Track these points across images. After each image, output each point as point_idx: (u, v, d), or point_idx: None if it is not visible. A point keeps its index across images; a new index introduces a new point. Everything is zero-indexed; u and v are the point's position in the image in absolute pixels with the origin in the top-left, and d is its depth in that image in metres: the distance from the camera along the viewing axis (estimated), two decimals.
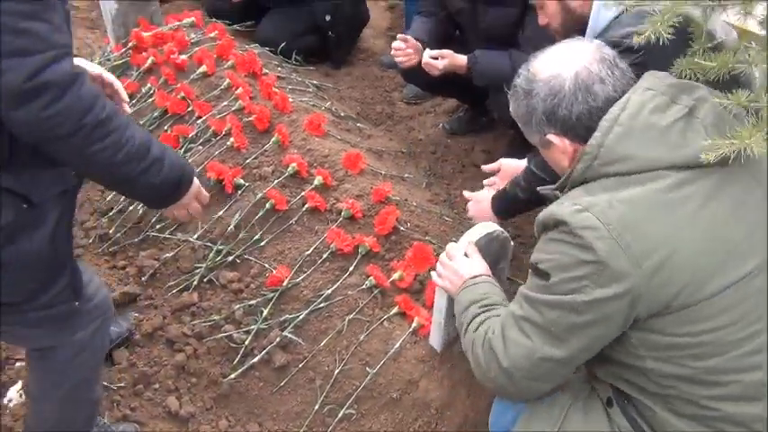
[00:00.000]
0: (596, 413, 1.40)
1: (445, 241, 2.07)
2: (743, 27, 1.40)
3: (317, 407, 1.94)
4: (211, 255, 2.28)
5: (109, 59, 3.10)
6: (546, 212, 1.29)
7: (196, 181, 1.57)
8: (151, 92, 2.86)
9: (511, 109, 1.44)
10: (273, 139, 2.52)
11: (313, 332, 2.05)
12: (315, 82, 3.39)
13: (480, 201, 2.25)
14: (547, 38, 1.93)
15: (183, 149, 2.60)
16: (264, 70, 3.01)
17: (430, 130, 3.44)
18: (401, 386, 1.91)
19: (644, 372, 1.29)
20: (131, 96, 2.78)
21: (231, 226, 2.31)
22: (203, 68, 2.87)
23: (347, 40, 3.94)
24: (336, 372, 1.95)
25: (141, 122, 2.72)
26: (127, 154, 1.32)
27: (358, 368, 1.96)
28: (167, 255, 2.36)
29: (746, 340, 1.24)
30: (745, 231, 1.25)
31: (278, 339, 2.03)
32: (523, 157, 2.16)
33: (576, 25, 1.84)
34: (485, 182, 2.33)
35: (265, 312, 2.09)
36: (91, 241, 2.52)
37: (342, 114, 3.15)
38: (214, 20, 3.49)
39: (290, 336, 2.03)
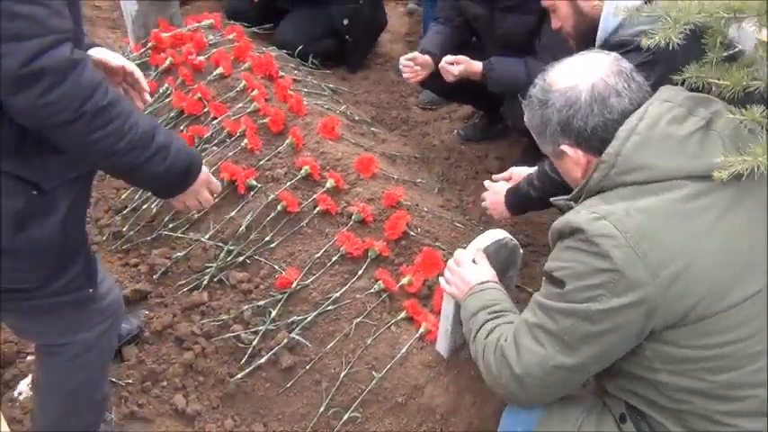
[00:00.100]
0: (609, 429, 1.38)
1: (455, 248, 2.05)
2: (760, 38, 1.38)
3: (322, 409, 1.94)
4: (222, 255, 2.30)
5: (128, 59, 3.13)
6: (561, 220, 1.28)
7: (205, 169, 1.53)
8: (168, 92, 2.90)
9: (525, 118, 1.43)
10: (287, 141, 2.54)
11: (320, 334, 2.06)
12: (331, 85, 3.41)
13: (498, 192, 2.23)
14: (563, 47, 1.93)
15: (197, 150, 2.62)
16: (281, 73, 3.03)
17: (444, 136, 3.44)
18: (407, 391, 1.91)
19: (655, 385, 1.28)
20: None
21: (242, 227, 2.33)
22: (220, 70, 2.90)
23: (364, 44, 3.95)
24: (342, 375, 1.96)
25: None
26: (130, 142, 1.28)
27: (364, 372, 1.96)
28: (179, 254, 2.38)
29: (763, 354, 1.22)
30: (762, 245, 1.24)
31: (285, 341, 2.04)
32: (535, 166, 2.15)
33: (587, 28, 1.84)
34: (486, 183, 2.30)
35: (274, 313, 2.09)
36: (104, 238, 2.55)
37: (356, 118, 3.15)
38: (233, 22, 3.53)
39: (297, 337, 2.04)
